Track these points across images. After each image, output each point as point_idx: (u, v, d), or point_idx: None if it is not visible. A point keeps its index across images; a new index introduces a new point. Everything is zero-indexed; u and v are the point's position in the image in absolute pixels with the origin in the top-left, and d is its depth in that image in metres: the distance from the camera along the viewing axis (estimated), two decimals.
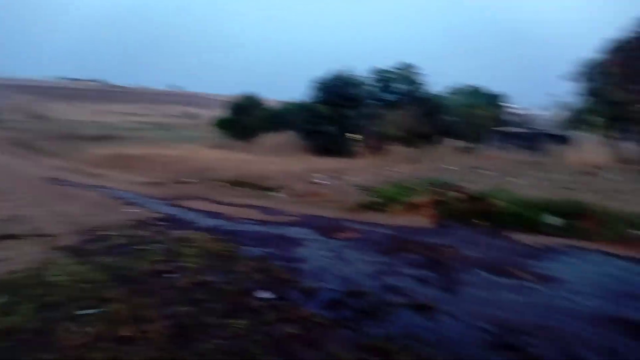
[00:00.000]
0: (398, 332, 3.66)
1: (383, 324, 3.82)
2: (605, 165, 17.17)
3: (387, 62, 26.26)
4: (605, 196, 9.98)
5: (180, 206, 9.21)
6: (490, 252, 6.14)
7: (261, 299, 4.19)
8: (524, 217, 7.56)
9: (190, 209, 8.89)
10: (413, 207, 8.72)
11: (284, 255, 5.77)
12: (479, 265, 5.48)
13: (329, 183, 11.99)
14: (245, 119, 26.00)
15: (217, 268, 5.11)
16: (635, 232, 6.74)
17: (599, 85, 22.85)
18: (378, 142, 21.27)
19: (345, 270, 5.22)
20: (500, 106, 26.47)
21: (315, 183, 11.92)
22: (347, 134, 21.89)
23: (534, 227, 7.29)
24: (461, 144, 22.58)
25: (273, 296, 4.27)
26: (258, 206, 9.32)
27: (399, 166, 15.80)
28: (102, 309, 3.88)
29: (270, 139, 23.55)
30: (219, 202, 9.69)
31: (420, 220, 8.09)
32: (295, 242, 6.46)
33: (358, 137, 21.98)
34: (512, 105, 28.14)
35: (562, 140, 21.11)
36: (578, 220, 7.28)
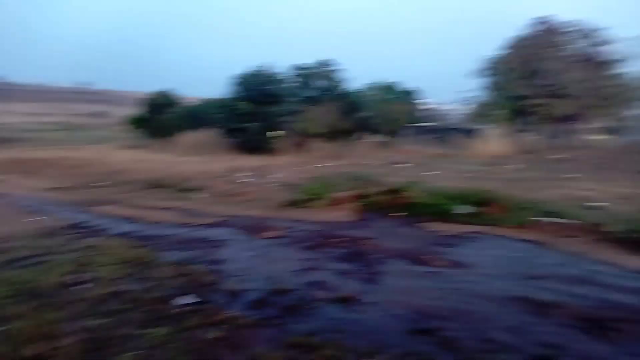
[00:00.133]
0: (322, 326, 3.72)
1: (308, 319, 3.86)
2: (510, 156, 18.60)
3: (307, 59, 26.42)
4: (509, 184, 10.84)
5: (91, 212, 8.65)
6: (408, 242, 6.44)
7: (182, 305, 4.06)
8: (437, 207, 7.99)
9: (102, 215, 8.38)
10: (336, 203, 8.89)
11: (205, 257, 5.62)
12: (398, 255, 5.72)
13: (252, 181, 11.87)
14: (161, 117, 24.96)
15: (133, 276, 4.87)
16: (535, 217, 7.37)
17: (502, 80, 24.72)
18: (300, 139, 21.42)
19: (270, 269, 5.20)
20: (415, 102, 27.70)
21: (239, 182, 11.76)
22: (270, 131, 21.78)
23: (447, 216, 7.74)
24: (380, 139, 23.34)
25: (195, 301, 4.15)
26: (178, 208, 9.00)
27: (322, 162, 16.03)
28: (4, 327, 3.54)
29: (189, 137, 22.78)
30: (134, 206, 9.22)
31: (343, 215, 8.27)
32: (218, 243, 6.33)
33: (280, 134, 21.96)
34: (425, 101, 29.56)
35: (471, 133, 22.51)
36: (486, 208, 7.83)
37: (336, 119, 21.27)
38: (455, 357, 3.26)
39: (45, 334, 3.45)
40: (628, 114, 25.27)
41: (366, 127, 23.77)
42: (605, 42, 22.52)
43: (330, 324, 3.76)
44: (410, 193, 8.69)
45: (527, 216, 7.41)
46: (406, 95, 27.33)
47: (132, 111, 28.01)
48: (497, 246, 6.30)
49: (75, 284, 4.57)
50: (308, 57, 27.98)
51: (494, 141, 20.35)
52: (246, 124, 21.25)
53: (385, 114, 24.10)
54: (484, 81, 25.67)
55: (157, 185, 11.45)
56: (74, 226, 7.33)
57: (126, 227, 7.31)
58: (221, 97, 24.16)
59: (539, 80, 22.71)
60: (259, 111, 21.53)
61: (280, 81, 23.70)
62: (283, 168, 14.40)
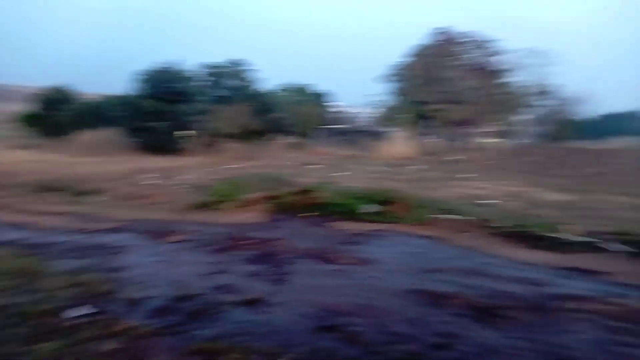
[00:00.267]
0: (229, 330, 3.66)
1: (213, 324, 3.77)
2: (413, 157, 19.68)
3: (218, 58, 25.85)
4: (412, 184, 11.47)
5: None
6: (317, 241, 6.55)
7: (75, 317, 3.76)
8: (346, 206, 8.24)
9: None
10: (247, 204, 8.80)
11: (103, 265, 5.26)
12: (307, 255, 5.81)
13: (158, 183, 11.37)
14: (57, 114, 22.99)
15: (19, 288, 4.42)
16: (434, 214, 7.87)
17: (407, 86, 26.14)
18: (211, 139, 20.91)
19: (174, 275, 5.00)
20: (326, 104, 28.29)
21: (143, 184, 11.19)
22: (178, 131, 20.98)
23: (355, 215, 8.01)
24: (292, 140, 23.52)
25: (89, 312, 3.87)
26: (74, 213, 8.34)
27: (233, 163, 15.79)
28: None
29: (89, 136, 21.20)
30: (24, 212, 8.39)
31: (253, 217, 8.21)
32: (118, 249, 5.96)
33: (190, 134, 21.26)
34: (336, 103, 30.32)
35: (378, 135, 23.48)
36: (390, 207, 8.21)
37: (248, 119, 21.08)
38: (359, 351, 3.37)
39: None
40: (515, 119, 27.92)
41: (279, 128, 23.85)
42: (496, 53, 24.71)
43: (237, 327, 3.71)
44: (320, 193, 8.86)
45: (427, 214, 7.89)
46: (318, 98, 27.87)
47: (22, 107, 25.40)
48: (399, 243, 6.64)
49: None
50: (219, 56, 27.46)
51: (400, 143, 21.44)
52: (152, 123, 20.25)
53: (297, 115, 24.36)
54: (391, 86, 26.96)
55: (51, 188, 10.51)
56: None
57: (14, 235, 6.62)
58: (125, 94, 22.79)
59: (439, 87, 24.33)
60: (166, 110, 20.64)
61: (190, 79, 22.94)
62: (192, 169, 13.97)
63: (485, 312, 4.08)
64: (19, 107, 25.87)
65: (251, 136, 21.06)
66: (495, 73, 24.91)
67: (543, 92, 26.43)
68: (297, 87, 27.85)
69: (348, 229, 7.35)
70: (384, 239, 6.82)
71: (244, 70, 24.42)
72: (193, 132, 21.16)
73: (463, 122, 24.87)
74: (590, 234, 6.60)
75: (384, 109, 27.26)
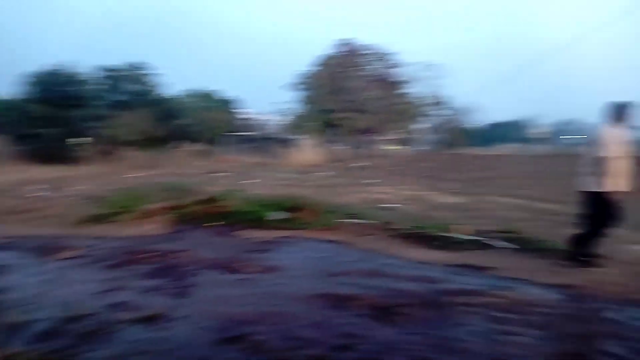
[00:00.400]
0: (124, 350, 3.45)
1: (106, 345, 3.53)
2: (321, 164, 20.11)
3: (116, 61, 24.41)
4: (319, 190, 11.72)
5: None
6: (222, 251, 6.42)
7: None
8: (253, 214, 8.19)
9: None
10: (147, 215, 8.39)
11: None
12: (211, 265, 5.67)
13: (47, 195, 10.44)
14: None
15: None
16: (339, 219, 8.11)
17: (314, 94, 26.73)
18: (109, 147, 19.65)
19: (64, 294, 4.61)
20: (234, 111, 27.97)
21: (29, 196, 10.21)
22: (71, 138, 19.43)
23: (262, 223, 7.99)
24: (198, 147, 22.90)
25: None
26: None
27: (134, 172, 14.98)
28: None
29: None
30: None
31: (154, 229, 7.85)
32: (0, 270, 5.38)
33: (85, 141, 19.79)
34: (244, 110, 30.09)
35: (287, 143, 23.68)
36: (298, 213, 8.30)
37: (150, 125, 20.13)
38: (263, 359, 3.36)
39: None
40: (415, 128, 29.78)
41: (184, 135, 23.07)
42: (395, 65, 26.20)
43: (133, 347, 3.51)
44: (227, 202, 8.72)
45: (333, 219, 8.10)
46: (225, 104, 27.42)
47: None
48: (306, 248, 6.74)
49: None
50: (117, 59, 25.86)
51: (308, 151, 21.80)
52: (41, 129, 18.55)
53: (204, 122, 23.75)
54: (299, 94, 27.41)
55: None
56: None
57: None
58: (10, 97, 20.62)
59: (344, 96, 25.21)
60: (57, 115, 19.03)
61: (84, 82, 21.38)
62: (87, 179, 13.02)
63: (385, 311, 4.27)
64: None
65: (154, 144, 20.13)
66: (396, 84, 26.40)
67: (438, 103, 28.48)
68: (204, 93, 27.18)
69: (255, 237, 7.31)
70: (291, 246, 6.88)
71: (145, 74, 23.32)
72: (89, 139, 19.72)
73: (367, 130, 25.99)
74: (478, 232, 7.21)
75: (293, 117, 27.60)
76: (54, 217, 8.52)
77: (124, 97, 22.62)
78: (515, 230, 7.24)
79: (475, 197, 11.79)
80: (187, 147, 22.59)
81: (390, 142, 28.09)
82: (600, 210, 5.53)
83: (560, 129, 59.43)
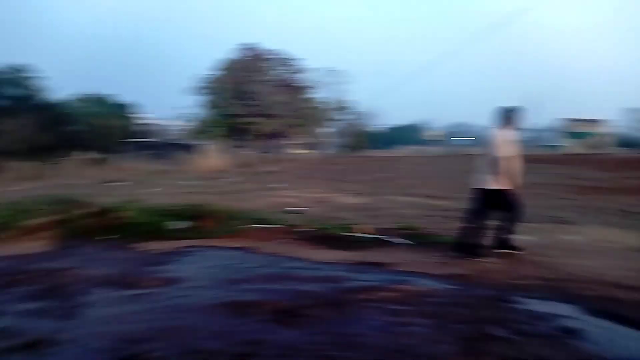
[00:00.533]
0: None
1: None
2: (227, 170, 19.73)
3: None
4: (225, 197, 11.48)
5: None
6: (116, 266, 6.00)
7: None
8: (152, 225, 7.78)
9: None
10: (30, 231, 7.60)
11: None
12: (103, 282, 5.27)
13: None
14: None
15: None
16: (245, 225, 7.99)
17: (217, 99, 26.16)
18: None
19: None
20: (130, 116, 26.51)
21: None
22: None
23: (163, 233, 7.61)
24: (92, 156, 21.30)
25: None
26: None
27: (15, 185, 13.55)
28: None
29: None
30: None
31: (39, 246, 7.12)
32: None
33: None
34: (143, 115, 28.63)
35: (190, 148, 22.92)
36: (201, 221, 8.03)
37: (35, 133, 18.36)
38: None
39: None
40: (320, 131, 30.41)
41: (75, 142, 21.32)
42: (299, 71, 26.58)
43: None
44: (122, 213, 8.18)
45: (238, 225, 7.95)
46: (121, 109, 25.79)
47: None
48: (208, 257, 6.53)
49: None
50: None
51: (213, 156, 21.25)
52: None
53: (97, 128, 22.15)
54: (201, 99, 26.68)
55: None
56: None
57: None
58: None
59: (249, 100, 25.01)
60: None
61: None
62: None
63: (289, 314, 4.26)
64: None
65: (40, 153, 18.37)
66: (300, 89, 26.78)
67: (341, 107, 29.36)
68: (96, 98, 25.29)
69: (154, 249, 6.92)
70: (192, 255, 6.62)
71: (28, 77, 21.21)
72: None
73: (274, 135, 26.02)
74: (379, 231, 7.51)
75: (196, 122, 26.83)
76: None
77: (3, 103, 20.41)
78: (411, 227, 7.66)
79: (377, 197, 12.29)
80: (79, 155, 20.87)
81: (298, 146, 28.40)
82: (493, 206, 6.07)
83: (452, 132, 64.46)
